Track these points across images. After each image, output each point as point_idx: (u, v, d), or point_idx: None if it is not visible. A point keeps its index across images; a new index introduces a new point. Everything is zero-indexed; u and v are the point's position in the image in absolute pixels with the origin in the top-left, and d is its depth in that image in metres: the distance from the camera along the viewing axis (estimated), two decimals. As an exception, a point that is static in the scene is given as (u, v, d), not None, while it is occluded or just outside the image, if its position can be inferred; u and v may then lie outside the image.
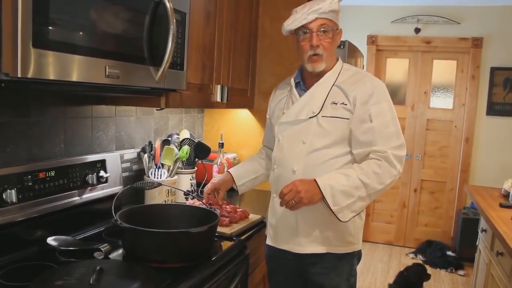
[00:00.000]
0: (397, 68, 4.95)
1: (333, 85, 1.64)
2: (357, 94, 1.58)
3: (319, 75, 1.66)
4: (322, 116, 1.61)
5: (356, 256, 1.70)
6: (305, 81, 1.72)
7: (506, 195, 2.95)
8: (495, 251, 2.38)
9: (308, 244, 1.65)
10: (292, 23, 1.61)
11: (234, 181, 1.89)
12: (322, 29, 1.59)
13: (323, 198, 1.50)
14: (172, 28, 1.44)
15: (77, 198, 1.66)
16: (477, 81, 4.59)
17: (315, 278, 1.67)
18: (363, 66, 4.23)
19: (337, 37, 1.66)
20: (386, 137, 1.56)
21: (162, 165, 2.05)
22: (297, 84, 1.75)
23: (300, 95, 1.70)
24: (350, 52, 2.99)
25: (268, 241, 1.79)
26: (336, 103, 1.61)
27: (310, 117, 1.63)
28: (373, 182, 1.51)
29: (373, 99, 1.57)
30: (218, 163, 2.41)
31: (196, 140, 2.31)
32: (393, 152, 1.54)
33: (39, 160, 1.58)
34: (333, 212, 1.51)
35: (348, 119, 1.58)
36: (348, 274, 1.68)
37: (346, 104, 1.59)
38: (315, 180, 1.51)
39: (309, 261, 1.66)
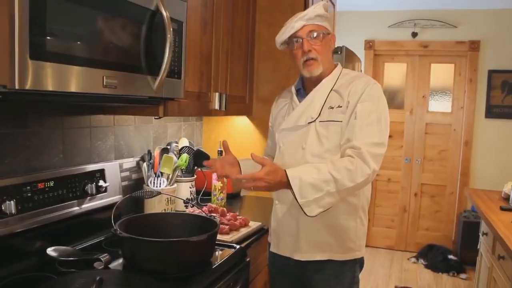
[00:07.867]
0: (394, 73, 4.96)
1: (331, 90, 1.64)
2: (349, 94, 1.59)
3: (318, 80, 1.67)
4: (320, 121, 1.61)
5: (358, 263, 1.69)
6: (306, 88, 1.73)
7: (506, 198, 2.95)
8: (497, 255, 2.38)
9: (309, 251, 1.64)
10: (282, 34, 1.66)
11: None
12: (311, 35, 1.61)
13: (291, 190, 1.46)
14: (169, 37, 1.45)
15: (77, 208, 1.65)
16: (475, 84, 4.60)
17: (317, 285, 1.66)
18: (361, 71, 4.23)
19: (330, 42, 1.67)
20: (365, 134, 1.51)
21: (161, 173, 2.05)
22: (298, 92, 1.76)
23: (300, 102, 1.71)
24: (347, 58, 2.99)
25: (271, 248, 1.78)
26: (332, 107, 1.61)
27: (309, 123, 1.64)
28: (343, 178, 1.46)
29: (362, 97, 1.56)
30: (218, 171, 2.40)
31: (195, 148, 2.31)
32: (369, 149, 1.48)
33: (38, 170, 1.58)
34: (300, 205, 1.47)
35: (341, 121, 1.58)
36: (350, 281, 1.67)
37: (341, 107, 1.59)
38: (285, 170, 1.48)
39: (310, 268, 1.66)
